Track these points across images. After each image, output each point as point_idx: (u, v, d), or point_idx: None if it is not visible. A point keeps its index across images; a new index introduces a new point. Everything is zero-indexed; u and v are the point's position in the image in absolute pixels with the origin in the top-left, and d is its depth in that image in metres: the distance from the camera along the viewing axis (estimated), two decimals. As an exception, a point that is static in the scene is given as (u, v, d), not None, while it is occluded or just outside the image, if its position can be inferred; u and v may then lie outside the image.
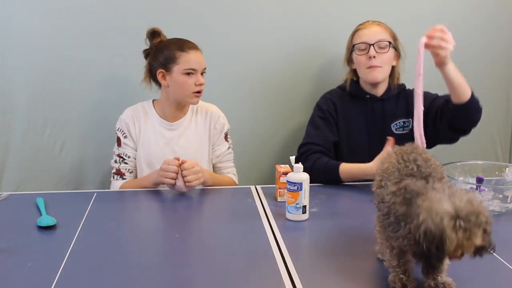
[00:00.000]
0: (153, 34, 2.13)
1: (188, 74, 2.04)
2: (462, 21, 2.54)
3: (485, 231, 1.13)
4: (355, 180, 2.01)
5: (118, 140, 2.14)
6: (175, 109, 2.14)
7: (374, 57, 2.10)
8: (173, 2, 2.37)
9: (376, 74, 2.12)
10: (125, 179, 2.11)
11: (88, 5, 2.32)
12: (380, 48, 2.11)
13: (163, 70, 2.07)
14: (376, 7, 2.46)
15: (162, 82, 2.09)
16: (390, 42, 2.12)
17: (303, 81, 2.52)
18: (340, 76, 2.29)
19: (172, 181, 1.90)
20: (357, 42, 2.14)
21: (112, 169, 2.14)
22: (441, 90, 2.50)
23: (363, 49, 2.12)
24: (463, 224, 1.09)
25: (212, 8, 2.40)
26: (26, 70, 2.34)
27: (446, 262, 1.25)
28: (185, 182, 1.91)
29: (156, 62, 2.08)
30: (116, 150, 2.14)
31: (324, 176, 2.01)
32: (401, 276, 1.24)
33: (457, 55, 2.54)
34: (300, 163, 1.72)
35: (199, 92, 2.06)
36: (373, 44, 2.10)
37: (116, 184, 2.11)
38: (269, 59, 2.48)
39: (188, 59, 2.04)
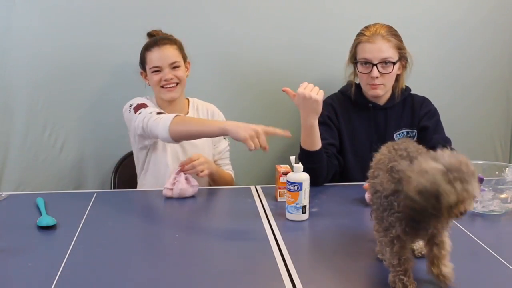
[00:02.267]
0: (148, 35, 2.17)
1: (155, 72, 2.06)
2: (462, 20, 2.54)
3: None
4: (314, 142, 1.97)
5: (140, 105, 1.98)
6: (167, 105, 2.13)
7: (377, 77, 2.05)
8: (173, 2, 2.37)
9: (378, 92, 2.09)
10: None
11: (88, 5, 2.32)
12: (384, 66, 2.05)
13: (142, 71, 2.14)
14: (376, 7, 2.45)
15: (145, 81, 2.15)
16: (394, 62, 2.05)
17: (303, 81, 2.50)
18: (340, 76, 2.28)
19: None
20: (361, 58, 2.08)
21: (145, 117, 1.91)
22: (440, 90, 2.52)
23: (366, 64, 2.07)
24: (458, 175, 1.08)
25: (212, 9, 2.40)
26: (26, 70, 2.34)
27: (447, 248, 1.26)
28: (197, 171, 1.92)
29: (139, 64, 2.14)
30: (145, 111, 1.94)
31: (302, 161, 1.92)
32: (402, 277, 1.24)
33: (457, 55, 2.57)
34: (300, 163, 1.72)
35: (168, 87, 2.05)
36: (376, 64, 2.04)
37: (166, 117, 1.85)
38: (269, 59, 2.48)
39: (151, 58, 2.07)
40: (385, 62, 2.05)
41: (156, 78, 2.06)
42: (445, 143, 2.06)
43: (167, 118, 1.84)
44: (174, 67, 2.06)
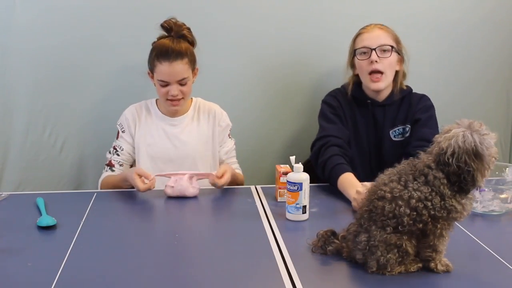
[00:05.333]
0: (161, 27, 2.13)
1: (162, 84, 2.07)
2: (462, 19, 2.54)
3: None
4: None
5: (117, 133, 2.18)
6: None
7: (376, 61, 2.06)
8: (176, 1, 2.36)
9: (379, 84, 2.10)
10: (114, 171, 2.14)
11: (88, 4, 2.32)
12: (382, 52, 2.07)
13: (150, 72, 2.13)
14: (377, 6, 2.45)
15: (152, 81, 2.14)
16: (392, 47, 2.08)
17: (304, 81, 2.51)
18: (342, 76, 2.29)
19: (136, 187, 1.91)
20: (359, 47, 2.11)
21: (106, 160, 2.17)
22: (440, 89, 2.52)
23: (364, 53, 2.09)
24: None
25: (214, 7, 2.39)
26: (26, 70, 2.34)
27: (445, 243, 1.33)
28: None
29: (148, 64, 2.12)
30: (114, 143, 2.18)
31: (328, 176, 1.97)
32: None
33: (457, 55, 2.57)
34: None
35: (172, 100, 2.08)
36: (375, 49, 2.06)
37: (103, 175, 2.15)
38: (270, 60, 2.47)
39: (160, 70, 2.06)
40: (383, 48, 2.07)
41: (163, 91, 2.07)
42: (431, 137, 2.05)
43: (101, 177, 2.14)
44: (182, 84, 2.07)
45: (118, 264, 1.43)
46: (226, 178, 1.94)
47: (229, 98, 2.44)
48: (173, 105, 2.10)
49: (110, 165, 2.15)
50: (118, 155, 2.15)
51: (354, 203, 1.76)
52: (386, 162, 2.13)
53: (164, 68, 2.05)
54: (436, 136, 1.31)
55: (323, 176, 2.01)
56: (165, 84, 2.06)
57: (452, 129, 1.28)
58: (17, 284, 1.31)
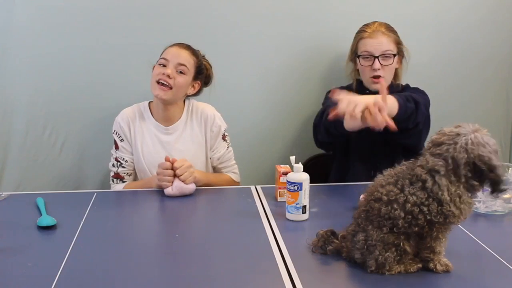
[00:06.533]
0: None
1: (160, 64, 2.05)
2: (462, 19, 2.53)
3: None
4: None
5: (115, 143, 2.13)
6: (162, 109, 2.11)
7: (379, 69, 2.10)
8: (176, 1, 2.36)
9: (379, 86, 2.12)
10: (125, 181, 2.12)
11: (88, 5, 2.32)
12: (385, 58, 2.11)
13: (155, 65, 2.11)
14: (377, 5, 2.45)
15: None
16: (394, 54, 2.12)
17: (304, 81, 2.51)
18: (342, 78, 2.29)
19: (170, 184, 1.90)
20: (362, 51, 2.13)
21: (111, 172, 2.13)
22: (439, 89, 2.52)
23: (367, 58, 2.12)
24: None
25: (217, 5, 2.39)
26: (26, 70, 2.34)
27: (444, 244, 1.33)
28: (182, 180, 1.91)
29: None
30: (114, 153, 2.13)
31: (333, 126, 1.93)
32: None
33: (457, 54, 2.57)
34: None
35: (162, 84, 2.02)
36: (378, 57, 2.10)
37: (118, 187, 2.11)
38: (270, 60, 2.47)
39: (165, 52, 2.08)
40: (385, 54, 2.10)
41: (158, 71, 2.04)
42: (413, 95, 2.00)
43: (117, 188, 2.10)
44: (180, 72, 2.04)
45: (118, 264, 1.43)
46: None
47: (230, 98, 2.44)
48: (160, 89, 2.02)
49: (119, 177, 2.11)
50: (123, 167, 2.12)
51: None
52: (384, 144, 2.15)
53: (170, 49, 2.07)
54: (451, 150, 1.27)
55: (325, 127, 1.98)
56: (164, 63, 2.04)
57: (460, 133, 1.27)
58: (17, 284, 1.31)
